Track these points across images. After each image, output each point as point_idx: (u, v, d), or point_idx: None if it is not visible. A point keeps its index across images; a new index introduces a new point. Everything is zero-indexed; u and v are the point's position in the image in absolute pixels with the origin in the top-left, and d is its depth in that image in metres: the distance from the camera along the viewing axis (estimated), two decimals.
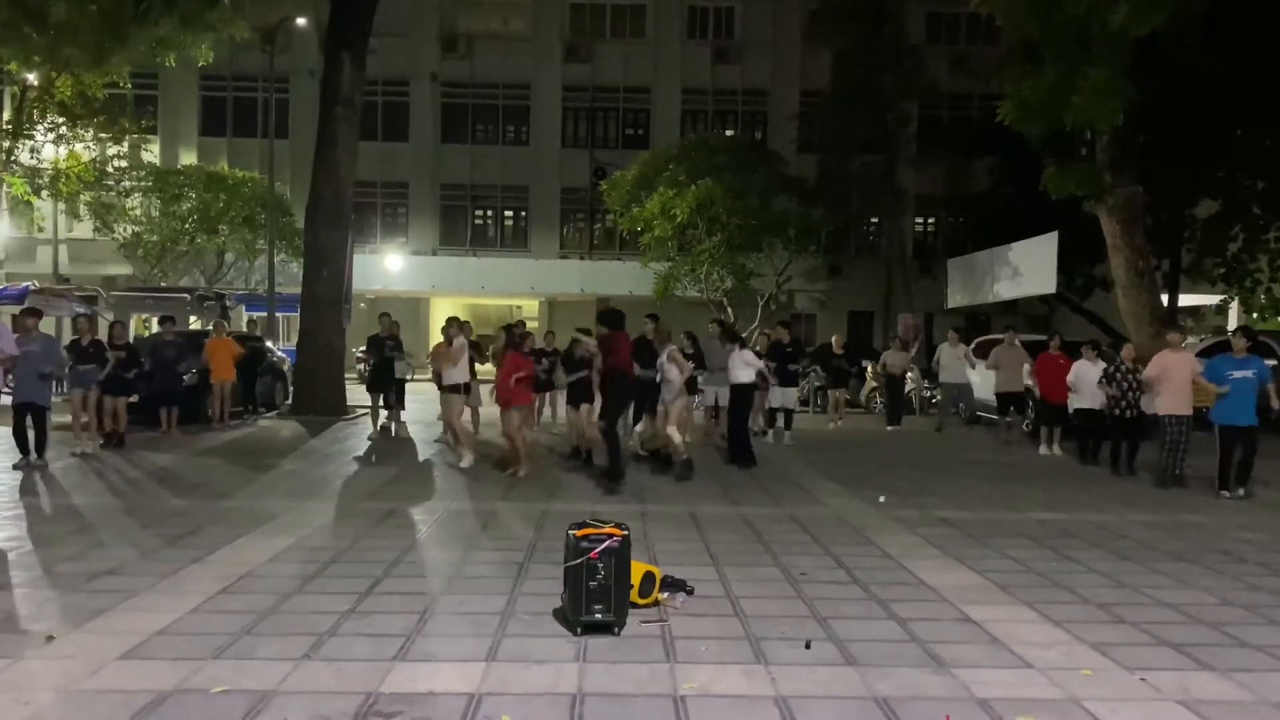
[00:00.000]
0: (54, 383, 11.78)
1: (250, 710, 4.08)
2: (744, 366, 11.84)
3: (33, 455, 10.81)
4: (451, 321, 12.00)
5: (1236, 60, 18.69)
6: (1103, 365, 12.65)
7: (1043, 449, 13.93)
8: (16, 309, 18.59)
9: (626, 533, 5.31)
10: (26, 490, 9.51)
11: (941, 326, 30.39)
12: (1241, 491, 10.09)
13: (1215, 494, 10.14)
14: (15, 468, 10.55)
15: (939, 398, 21.18)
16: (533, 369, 10.85)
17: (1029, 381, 15.26)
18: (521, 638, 5.10)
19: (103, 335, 13.83)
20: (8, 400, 10.78)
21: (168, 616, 5.29)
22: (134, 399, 13.50)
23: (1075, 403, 13.09)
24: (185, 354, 15.12)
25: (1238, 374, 10.07)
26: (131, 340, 15.62)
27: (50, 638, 4.93)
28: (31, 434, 10.81)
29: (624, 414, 10.26)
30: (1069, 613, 5.69)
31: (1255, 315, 27.21)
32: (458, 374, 11.57)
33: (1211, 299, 28.32)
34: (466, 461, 11.28)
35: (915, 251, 34.07)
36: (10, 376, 11.05)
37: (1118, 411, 12.05)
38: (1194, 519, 8.89)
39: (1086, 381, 12.71)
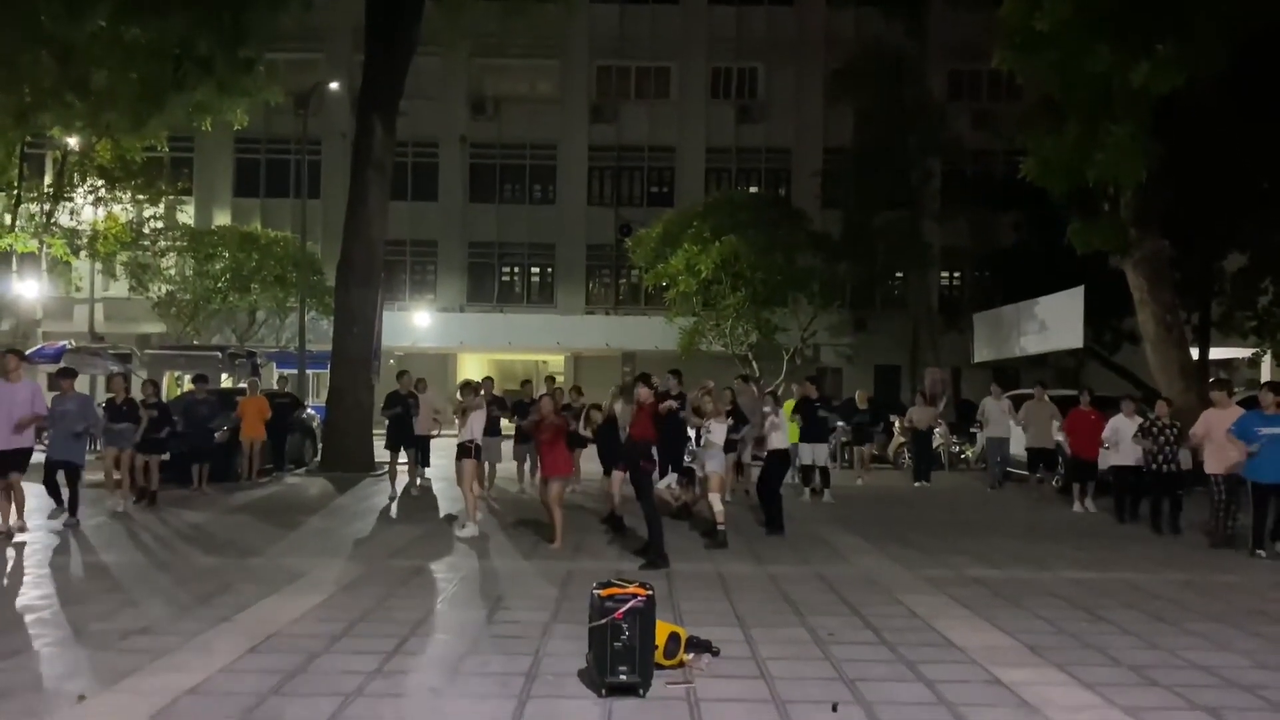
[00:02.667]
0: (89, 440, 11.95)
1: None
2: (778, 431, 11.73)
3: (65, 515, 10.95)
4: (465, 385, 11.98)
5: (1261, 114, 18.70)
6: (1139, 420, 12.43)
7: (1076, 506, 13.75)
8: (54, 367, 19.04)
9: (651, 592, 5.31)
10: (60, 549, 9.63)
11: (969, 381, 30.31)
12: (1262, 554, 9.83)
13: (1250, 553, 9.93)
14: (50, 518, 10.66)
15: (969, 453, 21.09)
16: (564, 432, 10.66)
17: (1059, 437, 15.14)
18: (547, 699, 5.10)
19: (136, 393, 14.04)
20: (40, 457, 10.93)
21: (197, 676, 5.33)
22: (165, 457, 13.66)
23: (1112, 459, 12.77)
24: (218, 412, 15.35)
25: (1269, 431, 9.80)
26: (163, 398, 15.84)
27: (81, 697, 4.98)
28: (65, 492, 10.99)
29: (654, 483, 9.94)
30: (1101, 675, 5.62)
31: None
32: (466, 432, 10.97)
33: (1243, 352, 28.06)
34: (468, 531, 10.62)
35: (941, 305, 34.01)
36: (45, 435, 11.23)
37: (1154, 466, 11.86)
38: (1228, 579, 8.76)
39: (1124, 437, 12.46)
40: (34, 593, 7.62)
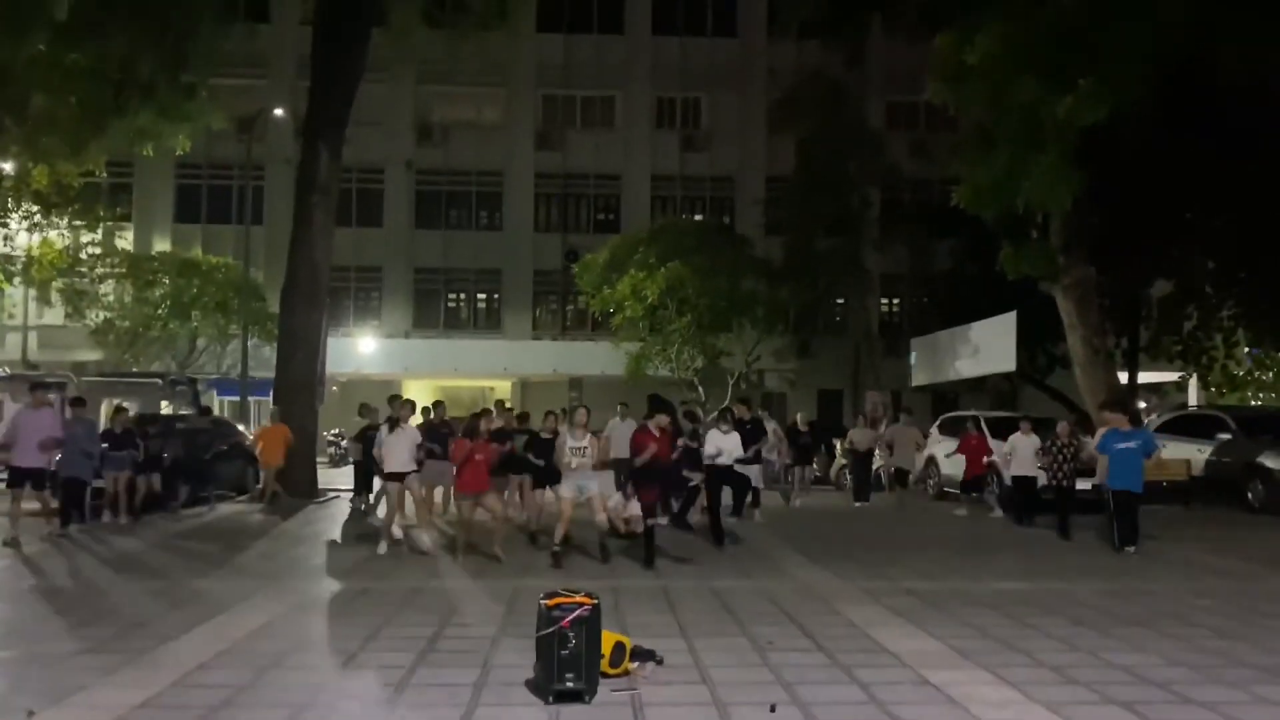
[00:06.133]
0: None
1: None
2: (726, 451, 12.04)
3: (72, 526, 12.22)
4: (393, 400, 12.08)
5: (1183, 145, 19.52)
6: (1035, 439, 14.07)
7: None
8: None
9: (597, 602, 5.49)
10: (13, 570, 9.53)
11: (910, 404, 30.92)
12: (1132, 549, 11.27)
13: (1117, 549, 11.30)
14: (56, 535, 11.81)
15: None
16: (488, 454, 10.87)
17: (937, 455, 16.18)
18: (495, 706, 5.25)
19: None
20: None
21: (146, 691, 5.38)
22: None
23: (1012, 470, 14.58)
24: (215, 439, 16.91)
25: (1122, 445, 11.56)
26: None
27: (30, 713, 5.00)
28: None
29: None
30: (1024, 675, 5.91)
31: (1212, 390, 27.95)
32: (396, 461, 11.15)
33: (1170, 376, 29.05)
34: (381, 548, 10.92)
35: (881, 330, 34.71)
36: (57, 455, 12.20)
37: (1053, 480, 13.18)
38: (1150, 587, 9.16)
39: (1020, 452, 14.23)
40: None
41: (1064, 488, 13.08)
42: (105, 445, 13.38)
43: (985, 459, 15.85)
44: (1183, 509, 16.40)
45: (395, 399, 13.00)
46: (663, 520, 12.43)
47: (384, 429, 11.52)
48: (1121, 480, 11.45)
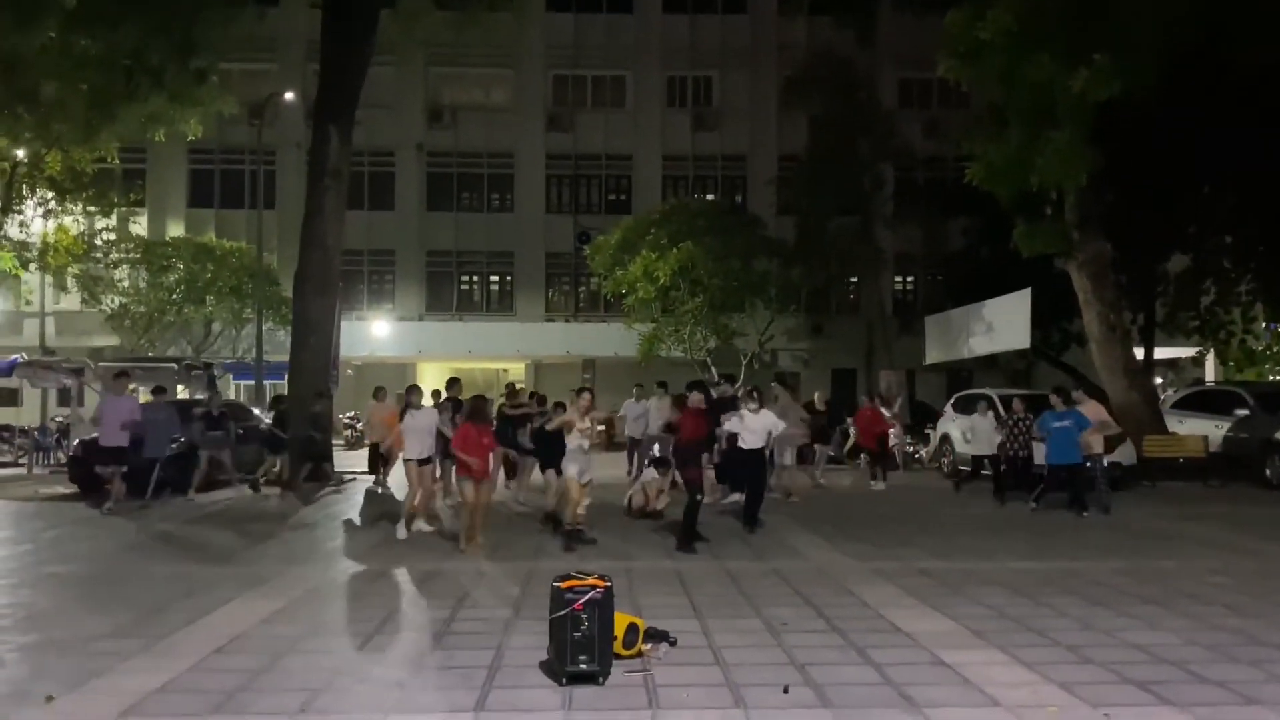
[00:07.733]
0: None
1: None
2: (754, 432, 11.94)
3: (145, 498, 13.63)
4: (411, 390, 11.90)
5: (1197, 121, 19.30)
6: (992, 416, 15.02)
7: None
8: (3, 381, 19.82)
9: (609, 584, 5.51)
10: (33, 554, 9.60)
11: (923, 383, 30.86)
12: (1086, 514, 12.44)
13: (1077, 515, 12.46)
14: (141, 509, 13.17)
15: (922, 453, 21.49)
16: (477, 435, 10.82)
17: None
18: (509, 689, 5.27)
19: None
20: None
21: (165, 675, 5.44)
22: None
23: (973, 449, 15.38)
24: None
25: (1057, 424, 12.79)
26: None
27: (50, 698, 5.06)
28: (117, 478, 13.30)
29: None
30: (1039, 655, 5.90)
31: (1230, 365, 27.73)
32: (415, 447, 11.26)
33: (1187, 351, 28.83)
34: (401, 533, 10.94)
35: (895, 309, 34.52)
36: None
37: (1010, 454, 14.19)
38: (1165, 565, 9.12)
39: (980, 431, 15.00)
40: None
41: (1020, 459, 14.14)
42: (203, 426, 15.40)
43: (878, 431, 17.25)
44: (1200, 486, 16.35)
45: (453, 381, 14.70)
46: (735, 496, 12.58)
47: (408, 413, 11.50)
48: (1059, 456, 12.76)
